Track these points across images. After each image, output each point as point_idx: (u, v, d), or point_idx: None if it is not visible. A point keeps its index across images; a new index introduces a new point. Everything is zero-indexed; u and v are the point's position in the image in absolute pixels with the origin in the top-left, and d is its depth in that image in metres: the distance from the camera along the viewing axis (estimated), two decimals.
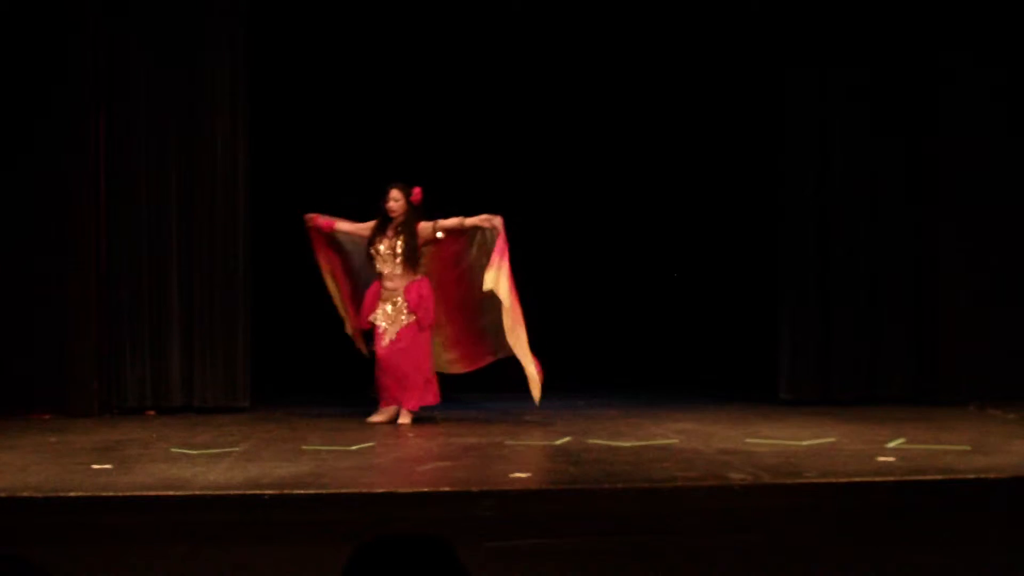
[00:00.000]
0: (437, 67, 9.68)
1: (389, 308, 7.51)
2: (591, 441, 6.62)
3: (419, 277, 7.56)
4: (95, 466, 5.77)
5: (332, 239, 7.85)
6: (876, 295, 8.60)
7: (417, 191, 7.56)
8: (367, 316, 7.60)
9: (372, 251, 7.55)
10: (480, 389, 8.92)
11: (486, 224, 7.53)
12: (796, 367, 8.57)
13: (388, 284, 7.53)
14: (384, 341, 7.49)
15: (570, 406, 8.46)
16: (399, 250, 7.48)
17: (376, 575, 2.10)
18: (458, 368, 8.00)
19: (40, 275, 8.04)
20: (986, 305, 8.52)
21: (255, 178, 8.42)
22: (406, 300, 7.49)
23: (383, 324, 7.51)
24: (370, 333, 7.68)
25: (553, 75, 9.85)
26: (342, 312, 8.01)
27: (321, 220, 7.76)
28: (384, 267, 7.51)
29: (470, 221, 7.56)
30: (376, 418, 7.59)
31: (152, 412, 8.12)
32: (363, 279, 7.82)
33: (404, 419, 7.53)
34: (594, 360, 10.16)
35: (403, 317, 7.49)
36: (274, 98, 9.04)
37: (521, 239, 9.98)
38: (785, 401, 8.47)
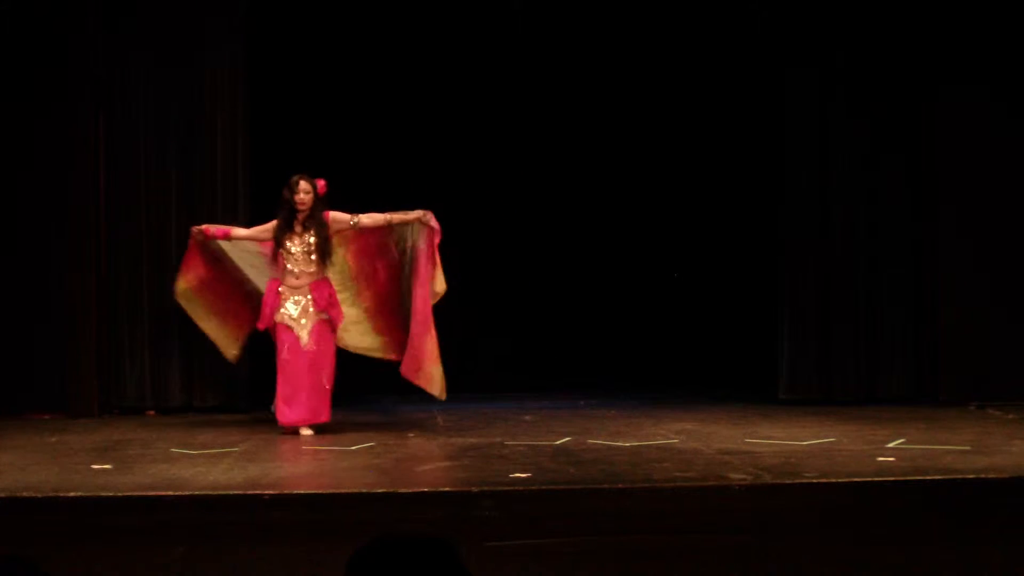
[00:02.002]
0: (437, 65, 9.66)
1: (293, 307, 7.02)
2: (591, 441, 6.62)
3: (323, 276, 7.13)
4: (95, 466, 5.77)
5: (215, 253, 7.46)
6: (876, 295, 8.60)
7: (322, 183, 7.19)
8: (271, 317, 7.06)
9: (281, 251, 7.08)
10: (480, 389, 8.92)
11: (413, 220, 7.19)
12: (796, 367, 8.57)
13: (293, 282, 7.05)
14: (301, 343, 6.98)
15: (570, 406, 8.47)
16: (312, 245, 7.05)
17: (377, 575, 2.10)
18: (392, 355, 7.48)
19: (40, 275, 8.03)
20: (986, 305, 8.52)
21: (255, 177, 8.42)
22: (313, 298, 7.03)
23: (292, 324, 7.01)
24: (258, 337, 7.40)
25: (553, 75, 9.84)
26: (216, 332, 7.59)
27: (215, 229, 7.37)
28: (295, 266, 7.05)
29: (397, 218, 7.20)
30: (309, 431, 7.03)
31: (152, 412, 8.12)
32: (246, 290, 7.54)
33: (308, 431, 7.00)
34: (594, 360, 10.15)
35: (313, 316, 7.02)
36: (274, 97, 9.04)
37: (521, 239, 10.02)
38: (785, 401, 8.47)
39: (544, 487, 5.20)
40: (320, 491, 5.17)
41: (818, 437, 6.74)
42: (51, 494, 5.02)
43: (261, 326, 7.19)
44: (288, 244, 7.08)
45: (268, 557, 4.77)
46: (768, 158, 8.95)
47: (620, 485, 5.23)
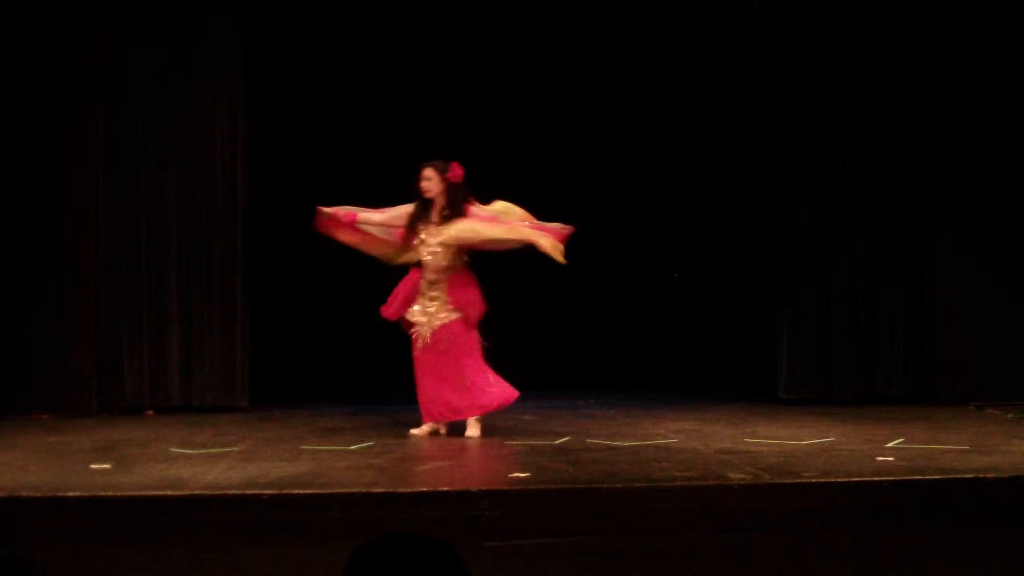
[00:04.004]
0: (436, 65, 9.67)
1: (427, 304, 6.77)
2: (591, 441, 6.62)
3: (465, 271, 6.82)
4: (95, 466, 5.76)
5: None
6: (875, 295, 8.60)
7: (455, 167, 6.76)
8: (403, 310, 6.82)
9: (415, 240, 6.76)
10: None
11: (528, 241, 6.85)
12: (796, 367, 8.58)
13: (429, 276, 6.75)
14: (419, 344, 6.80)
15: (570, 406, 8.47)
16: (447, 239, 6.71)
17: (376, 575, 2.10)
18: None
19: (40, 275, 8.03)
20: (986, 305, 8.53)
21: (255, 178, 8.42)
22: (448, 295, 6.78)
23: (419, 320, 6.78)
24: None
25: (553, 76, 9.85)
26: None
27: (342, 214, 6.86)
28: (434, 259, 6.74)
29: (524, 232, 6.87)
30: (419, 431, 6.90)
31: (152, 412, 8.12)
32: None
33: (473, 430, 6.79)
34: (594, 360, 10.15)
35: (443, 315, 6.77)
36: (274, 98, 9.04)
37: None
38: (785, 401, 8.48)
39: (544, 487, 5.20)
40: (320, 491, 5.16)
41: (818, 437, 6.74)
42: (51, 494, 5.02)
43: (389, 315, 6.86)
44: (421, 232, 6.75)
45: (268, 557, 4.77)
46: (767, 158, 8.95)
47: (620, 485, 5.23)
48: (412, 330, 6.83)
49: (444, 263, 6.77)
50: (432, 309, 6.80)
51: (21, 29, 7.96)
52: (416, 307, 6.82)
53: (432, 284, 6.78)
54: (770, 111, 8.83)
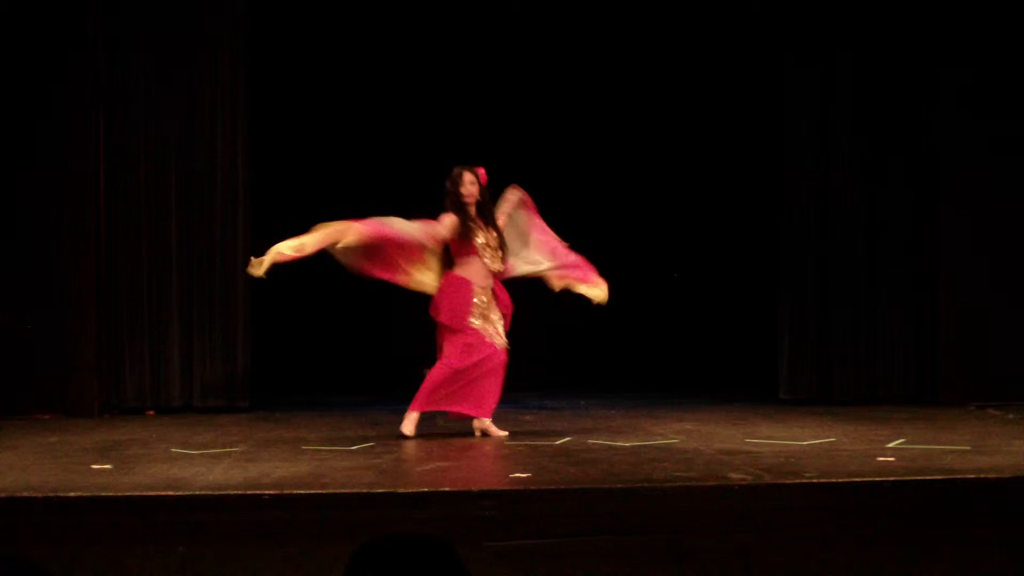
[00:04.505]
0: (436, 66, 9.68)
1: (483, 307, 6.73)
2: (591, 441, 6.62)
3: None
4: (95, 466, 5.77)
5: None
6: (876, 295, 8.61)
7: (482, 172, 6.81)
8: (464, 316, 6.70)
9: (475, 247, 6.70)
10: None
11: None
12: (796, 367, 8.58)
13: (484, 281, 6.75)
14: (497, 344, 6.74)
15: (571, 406, 8.47)
16: (498, 243, 6.77)
17: (376, 575, 2.10)
18: None
19: (40, 275, 8.04)
20: (986, 305, 8.53)
21: (255, 178, 8.42)
22: (499, 298, 6.82)
23: (485, 326, 6.73)
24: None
25: (553, 76, 9.85)
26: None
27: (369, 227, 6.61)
28: (493, 263, 6.75)
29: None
30: (410, 430, 6.81)
31: (152, 412, 8.13)
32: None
33: (500, 431, 6.84)
34: (595, 360, 10.15)
35: (498, 316, 6.79)
36: (274, 98, 9.04)
37: None
38: (785, 401, 8.49)
39: (544, 487, 5.20)
40: (320, 491, 5.15)
41: (818, 437, 6.73)
42: (51, 494, 5.01)
43: (453, 323, 6.70)
44: (477, 237, 6.71)
45: (268, 557, 4.77)
46: (768, 158, 8.96)
47: (620, 485, 5.22)
48: (475, 334, 6.69)
49: (498, 268, 6.80)
50: (490, 312, 6.77)
51: (21, 29, 7.96)
52: (477, 312, 6.72)
53: (485, 289, 6.78)
54: (770, 110, 8.84)
